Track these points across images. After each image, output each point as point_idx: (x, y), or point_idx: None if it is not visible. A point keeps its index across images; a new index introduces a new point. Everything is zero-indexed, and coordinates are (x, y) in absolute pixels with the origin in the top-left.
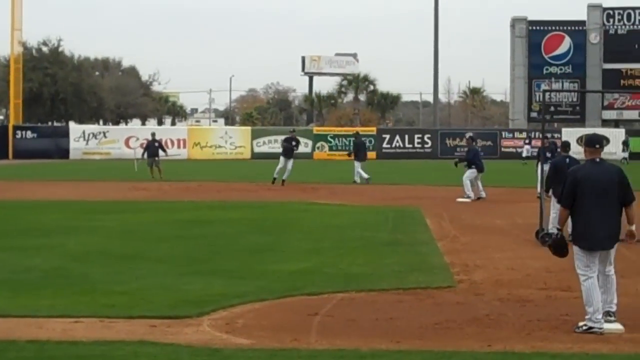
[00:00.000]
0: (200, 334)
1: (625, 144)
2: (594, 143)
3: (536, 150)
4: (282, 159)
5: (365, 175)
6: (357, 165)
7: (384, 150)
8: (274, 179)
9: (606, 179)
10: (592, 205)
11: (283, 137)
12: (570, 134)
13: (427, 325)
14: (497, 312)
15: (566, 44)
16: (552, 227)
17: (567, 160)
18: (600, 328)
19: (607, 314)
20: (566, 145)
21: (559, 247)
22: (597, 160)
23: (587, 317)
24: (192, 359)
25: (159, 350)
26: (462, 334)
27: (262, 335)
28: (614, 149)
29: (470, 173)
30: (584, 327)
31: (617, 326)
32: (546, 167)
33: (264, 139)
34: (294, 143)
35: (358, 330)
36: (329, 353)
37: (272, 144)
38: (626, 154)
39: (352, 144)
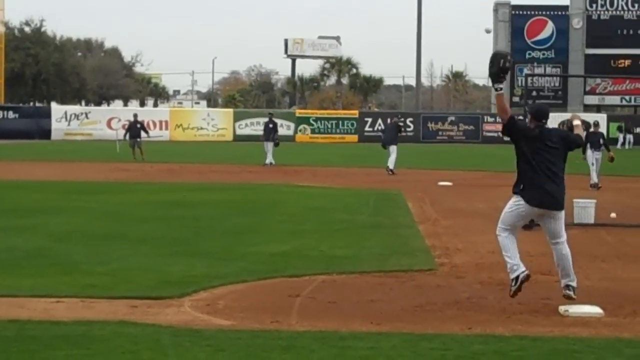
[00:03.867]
0: (181, 315)
1: (621, 129)
2: (540, 117)
3: None
4: (265, 143)
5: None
6: (393, 149)
7: (366, 134)
8: (265, 164)
9: (553, 140)
10: (538, 165)
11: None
12: (553, 119)
13: (408, 307)
14: (478, 295)
15: (549, 28)
16: None
17: None
18: (524, 271)
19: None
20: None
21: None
22: (547, 127)
23: (507, 270)
24: (173, 339)
25: (140, 330)
26: (442, 316)
27: (243, 317)
28: None
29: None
30: (512, 284)
31: (597, 310)
32: None
33: (246, 121)
34: (271, 126)
35: (339, 312)
36: (309, 335)
37: (255, 127)
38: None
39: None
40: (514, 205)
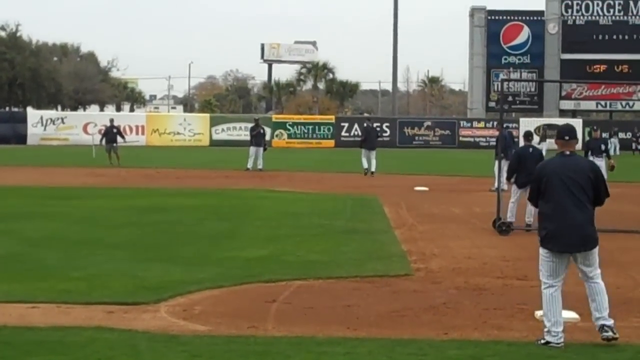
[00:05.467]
0: (157, 320)
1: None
2: (562, 134)
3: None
4: (251, 148)
5: (365, 165)
6: (365, 153)
7: (342, 139)
8: (247, 168)
9: (578, 174)
10: (560, 202)
11: (247, 125)
12: (528, 124)
13: (384, 313)
14: (454, 300)
15: (525, 34)
16: (510, 216)
17: (531, 149)
18: (558, 343)
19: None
20: (529, 135)
21: None
22: (567, 153)
23: (544, 329)
24: (149, 345)
25: (116, 336)
26: (418, 321)
27: (219, 322)
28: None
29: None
30: (542, 341)
31: (573, 315)
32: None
33: (222, 126)
34: (262, 131)
35: (315, 317)
36: (286, 340)
37: (231, 132)
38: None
39: (364, 130)
40: None
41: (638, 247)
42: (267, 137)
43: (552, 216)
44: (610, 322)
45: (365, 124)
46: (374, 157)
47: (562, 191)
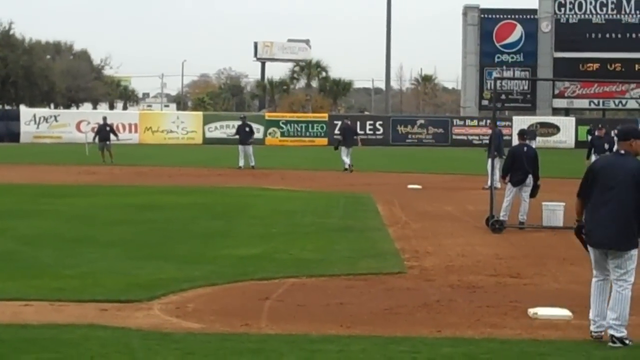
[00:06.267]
0: (150, 318)
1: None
2: (621, 135)
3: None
4: (240, 147)
5: (346, 163)
6: (344, 151)
7: (335, 137)
8: (239, 167)
9: (619, 174)
10: (598, 199)
11: (236, 124)
12: (521, 122)
13: (378, 310)
14: (447, 298)
15: (518, 32)
16: (503, 215)
17: (525, 148)
18: (596, 332)
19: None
20: (523, 133)
21: (578, 235)
22: (622, 152)
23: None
24: (142, 342)
25: (109, 334)
26: (412, 319)
27: (212, 320)
28: (564, 137)
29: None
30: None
31: (565, 312)
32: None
33: (215, 124)
34: (247, 129)
35: (308, 315)
36: (279, 338)
37: (224, 130)
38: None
39: (341, 129)
40: None
41: None
42: (260, 135)
43: (589, 211)
44: (620, 333)
45: (342, 122)
46: (349, 154)
47: (601, 188)
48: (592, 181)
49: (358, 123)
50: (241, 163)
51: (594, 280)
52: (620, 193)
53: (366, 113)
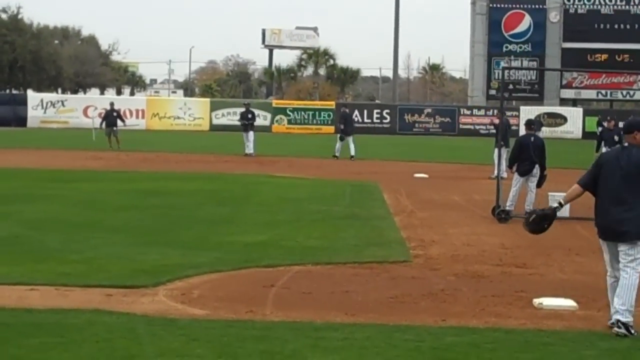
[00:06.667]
0: (155, 304)
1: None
2: (626, 128)
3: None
4: (244, 134)
5: (337, 151)
6: (349, 139)
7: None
8: (246, 154)
9: (625, 166)
10: (605, 192)
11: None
12: (529, 112)
13: (383, 299)
14: (452, 287)
15: (526, 22)
16: (510, 204)
17: (532, 138)
18: (614, 320)
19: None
20: (531, 123)
21: (538, 218)
22: (626, 144)
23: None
24: (147, 328)
25: (114, 319)
26: (417, 308)
27: (217, 306)
28: (571, 128)
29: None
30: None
31: (570, 303)
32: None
33: (222, 111)
34: (249, 116)
35: (313, 302)
36: (284, 325)
37: (231, 116)
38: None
39: (340, 117)
40: None
41: None
42: (267, 123)
43: (597, 204)
44: (626, 318)
45: (342, 110)
46: (352, 142)
47: (608, 181)
48: (598, 174)
49: (365, 111)
50: (248, 150)
51: (608, 278)
52: (629, 185)
53: (377, 102)
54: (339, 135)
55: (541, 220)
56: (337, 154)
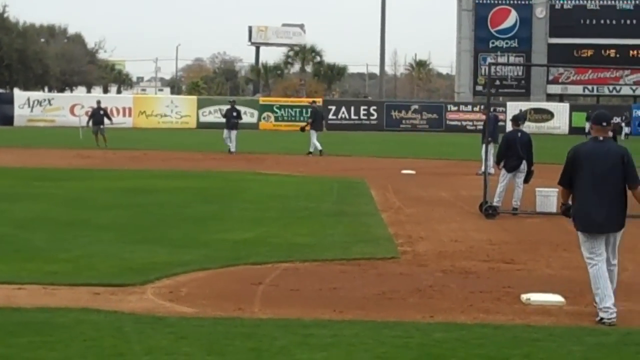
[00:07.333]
0: (144, 302)
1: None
2: (600, 120)
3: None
4: (225, 130)
5: (319, 147)
6: (314, 134)
7: (329, 122)
8: (231, 152)
9: (609, 159)
10: (590, 185)
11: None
12: (515, 108)
13: (370, 295)
14: (440, 283)
15: (512, 18)
16: (497, 200)
17: (519, 134)
18: (610, 318)
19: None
20: (518, 119)
21: (566, 214)
22: (601, 139)
23: (596, 307)
24: (135, 326)
25: (102, 317)
26: (405, 304)
27: (205, 304)
28: (558, 124)
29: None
30: (597, 319)
31: (558, 298)
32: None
33: (209, 109)
34: (234, 114)
35: (302, 299)
36: (272, 322)
37: (218, 114)
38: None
39: (309, 113)
40: None
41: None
42: (255, 120)
43: (579, 198)
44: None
45: (311, 106)
46: (316, 138)
47: (590, 175)
48: (578, 169)
49: (352, 108)
50: (232, 148)
51: (598, 266)
52: (612, 177)
53: (369, 98)
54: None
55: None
56: (312, 150)
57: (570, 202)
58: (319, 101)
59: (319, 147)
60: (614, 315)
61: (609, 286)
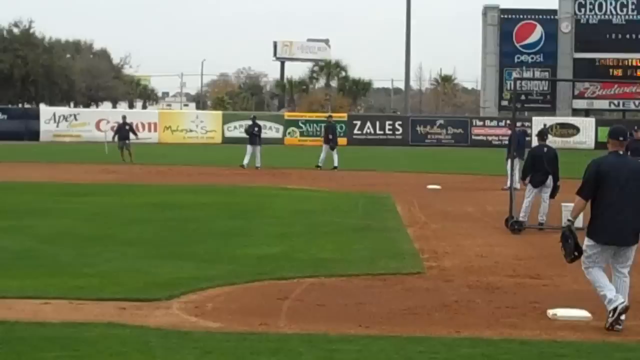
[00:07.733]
0: (169, 317)
1: None
2: (618, 135)
3: None
4: (248, 146)
5: (320, 162)
6: (326, 148)
7: (354, 137)
8: (242, 165)
9: (630, 173)
10: (615, 198)
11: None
12: (541, 123)
13: (396, 310)
14: (466, 298)
15: (538, 32)
16: (523, 215)
17: (545, 149)
18: (622, 302)
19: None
20: (543, 134)
21: (562, 242)
22: (621, 152)
23: (605, 303)
24: (161, 341)
25: (128, 332)
26: (430, 319)
27: (231, 319)
28: (584, 138)
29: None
30: (610, 315)
31: (585, 314)
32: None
33: (235, 124)
34: (256, 129)
35: (327, 315)
36: (298, 337)
37: (243, 129)
38: None
39: (323, 128)
40: None
41: None
42: (280, 135)
43: (602, 211)
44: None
45: (327, 121)
46: (336, 152)
47: (613, 189)
48: (601, 182)
49: (377, 123)
50: (246, 161)
51: (595, 269)
52: (632, 191)
53: (398, 113)
54: (329, 146)
55: (565, 242)
56: (320, 165)
57: (570, 222)
58: (344, 116)
59: (320, 163)
60: (622, 300)
61: (608, 281)
